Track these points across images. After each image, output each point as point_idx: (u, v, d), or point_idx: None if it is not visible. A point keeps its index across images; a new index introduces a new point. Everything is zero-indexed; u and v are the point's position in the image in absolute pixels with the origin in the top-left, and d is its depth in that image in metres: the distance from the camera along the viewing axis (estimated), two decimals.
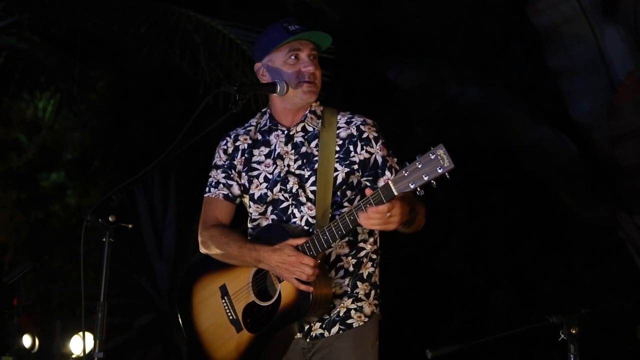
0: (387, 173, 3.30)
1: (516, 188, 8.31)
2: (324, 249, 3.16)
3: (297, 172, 3.33)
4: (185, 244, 7.97)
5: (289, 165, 3.35)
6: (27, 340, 6.42)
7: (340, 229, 3.11)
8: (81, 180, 10.26)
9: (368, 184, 3.30)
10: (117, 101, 9.81)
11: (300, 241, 3.17)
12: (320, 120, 3.39)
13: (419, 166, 2.92)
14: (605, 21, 6.76)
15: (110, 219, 2.97)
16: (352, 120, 3.38)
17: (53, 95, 7.40)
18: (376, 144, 3.34)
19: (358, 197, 3.29)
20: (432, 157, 2.89)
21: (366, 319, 3.34)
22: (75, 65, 6.58)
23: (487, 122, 7.35)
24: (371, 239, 3.38)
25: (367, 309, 3.35)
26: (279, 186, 3.34)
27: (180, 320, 3.51)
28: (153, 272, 7.85)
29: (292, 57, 3.34)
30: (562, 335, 3.09)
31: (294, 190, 3.32)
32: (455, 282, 8.48)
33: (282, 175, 3.34)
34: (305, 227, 3.27)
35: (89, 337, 5.22)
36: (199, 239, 3.45)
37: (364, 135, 3.35)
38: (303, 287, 3.14)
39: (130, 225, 3.01)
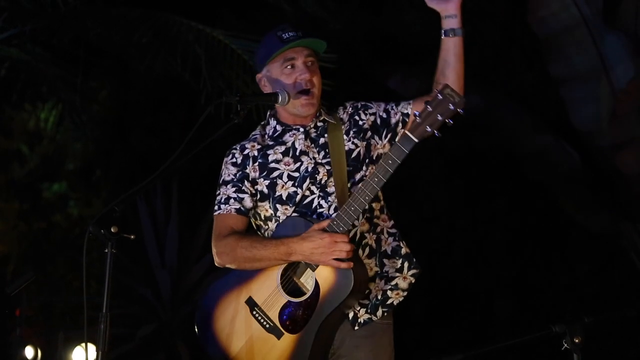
0: (397, 108, 3.38)
1: (518, 196, 8.30)
2: (354, 219, 3.15)
3: (324, 161, 3.33)
4: (188, 254, 7.96)
5: (314, 158, 3.34)
6: (29, 352, 6.41)
7: (366, 194, 3.13)
8: (83, 191, 10.26)
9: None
10: (118, 111, 9.82)
11: (325, 223, 3.15)
12: (330, 116, 3.43)
13: (430, 109, 3.03)
14: (606, 29, 6.77)
15: (112, 230, 2.95)
16: (347, 104, 3.48)
17: (55, 106, 7.42)
18: (374, 104, 3.43)
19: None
20: (441, 98, 3.02)
21: (404, 293, 3.34)
22: (77, 76, 6.61)
23: (489, 130, 7.36)
24: (383, 215, 3.38)
25: (403, 283, 3.34)
26: (308, 181, 3.31)
27: (207, 351, 3.36)
28: (155, 282, 7.83)
29: (288, 67, 3.33)
30: (566, 345, 3.08)
31: (322, 182, 3.30)
32: (458, 289, 8.47)
33: (310, 169, 3.32)
34: (334, 216, 3.21)
35: (92, 348, 5.21)
36: (214, 251, 3.36)
37: (360, 105, 3.43)
38: (344, 264, 3.12)
39: (132, 236, 3.00)
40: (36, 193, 10.22)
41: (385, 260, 3.33)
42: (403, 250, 3.37)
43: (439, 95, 3.03)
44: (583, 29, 6.75)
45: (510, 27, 8.25)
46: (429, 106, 3.04)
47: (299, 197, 3.31)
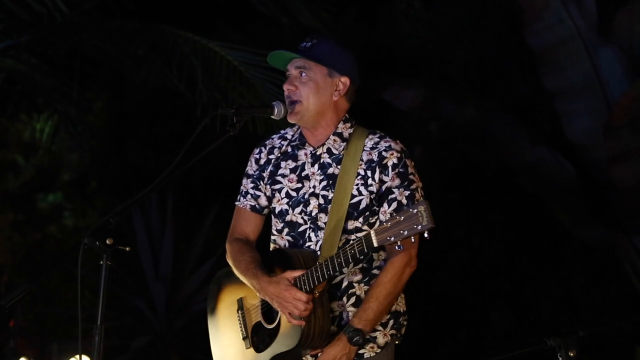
0: (385, 205, 3.18)
1: (513, 208, 8.31)
2: (316, 285, 3.10)
3: (322, 192, 3.24)
4: (183, 265, 7.96)
5: (314, 187, 3.25)
6: None
7: (329, 270, 3.07)
8: (78, 202, 10.25)
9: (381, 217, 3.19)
10: (114, 122, 9.83)
11: (297, 274, 3.11)
12: (344, 144, 3.26)
13: (400, 219, 2.86)
14: (600, 42, 6.80)
15: (107, 242, 2.93)
16: (378, 145, 3.25)
17: (50, 117, 7.41)
18: (392, 172, 3.19)
19: (377, 224, 3.19)
20: (414, 212, 2.83)
21: (379, 350, 3.23)
22: (73, 87, 6.60)
23: (484, 143, 7.36)
24: None
25: (381, 340, 3.23)
26: (300, 207, 3.26)
27: (208, 311, 3.52)
28: (150, 293, 7.83)
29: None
30: (560, 358, 3.08)
31: (313, 214, 3.23)
32: (453, 302, 8.46)
33: (305, 197, 3.25)
34: (319, 252, 3.19)
35: (86, 359, 5.20)
36: (226, 246, 3.44)
37: (384, 162, 3.20)
38: (294, 322, 3.11)
39: (127, 248, 2.99)
40: (31, 204, 10.20)
41: None
42: (394, 307, 3.25)
43: (412, 209, 2.85)
44: (577, 42, 6.78)
45: (505, 40, 8.28)
46: (399, 215, 2.88)
47: (288, 218, 3.28)
